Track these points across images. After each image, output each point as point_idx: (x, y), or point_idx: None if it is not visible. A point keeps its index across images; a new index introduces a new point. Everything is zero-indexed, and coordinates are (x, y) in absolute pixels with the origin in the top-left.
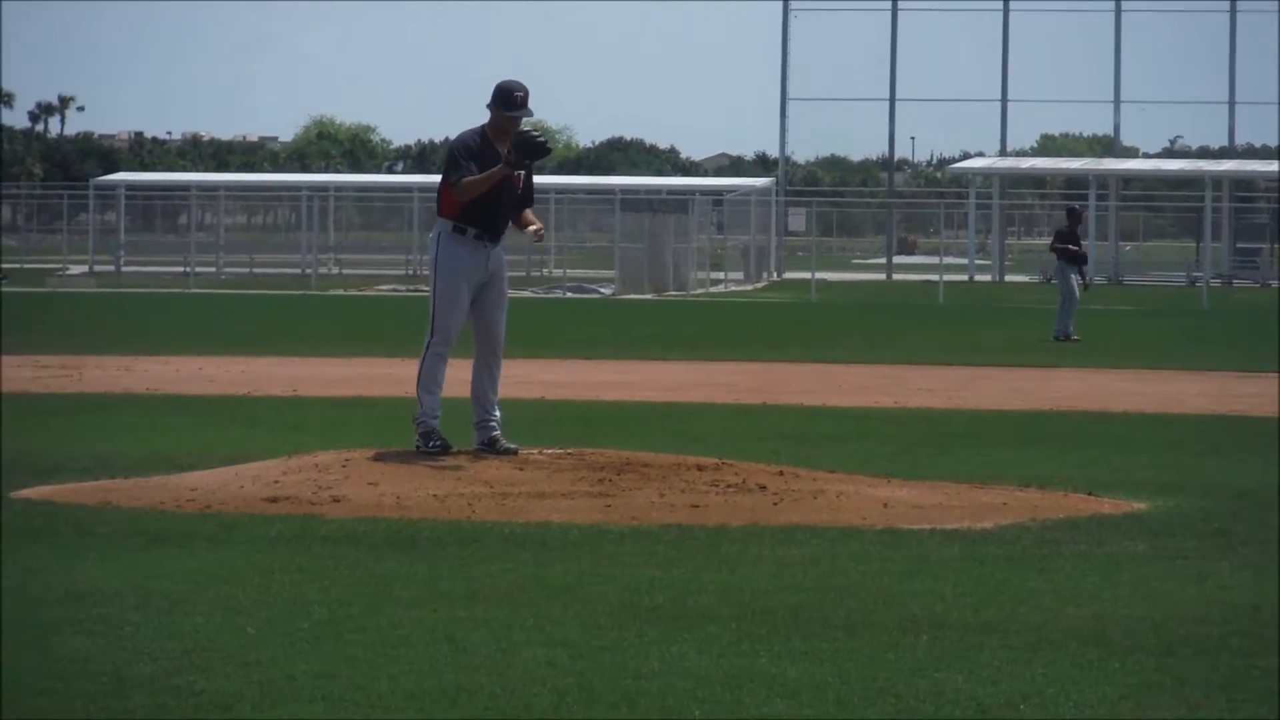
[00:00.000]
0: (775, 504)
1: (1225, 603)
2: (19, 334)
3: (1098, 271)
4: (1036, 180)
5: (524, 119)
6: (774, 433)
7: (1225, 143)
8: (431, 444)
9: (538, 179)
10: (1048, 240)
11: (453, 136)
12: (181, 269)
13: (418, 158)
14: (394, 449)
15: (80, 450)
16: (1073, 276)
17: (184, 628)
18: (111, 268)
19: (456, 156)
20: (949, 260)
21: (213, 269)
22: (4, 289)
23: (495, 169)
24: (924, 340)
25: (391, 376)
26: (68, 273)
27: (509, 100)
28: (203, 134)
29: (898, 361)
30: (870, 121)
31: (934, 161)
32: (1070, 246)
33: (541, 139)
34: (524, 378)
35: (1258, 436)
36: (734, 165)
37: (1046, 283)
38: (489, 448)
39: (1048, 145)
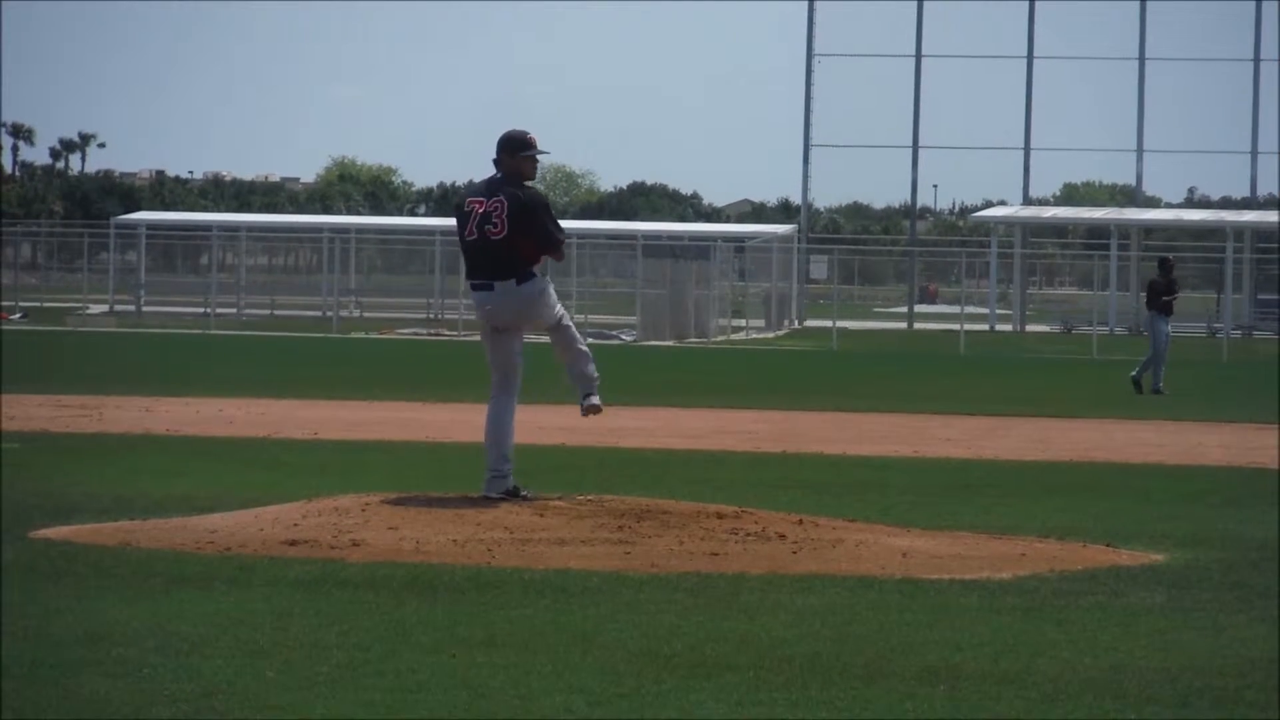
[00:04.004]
0: (794, 553)
1: (1242, 655)
2: (39, 372)
3: (1118, 322)
4: (1058, 229)
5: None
6: (794, 481)
7: (1247, 193)
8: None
9: (565, 223)
10: (1069, 291)
11: (475, 180)
12: (202, 310)
13: (440, 200)
14: (414, 493)
15: (100, 491)
16: (1163, 328)
17: (203, 670)
18: (132, 307)
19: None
20: (970, 309)
21: (233, 310)
22: (24, 327)
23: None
24: (945, 389)
25: (413, 420)
26: (88, 311)
27: (523, 141)
28: (224, 174)
29: (918, 411)
30: (893, 168)
31: (956, 209)
32: (1165, 299)
33: None
34: (544, 423)
35: (1278, 489)
36: (756, 211)
37: (1067, 333)
38: (511, 496)
39: (1070, 194)
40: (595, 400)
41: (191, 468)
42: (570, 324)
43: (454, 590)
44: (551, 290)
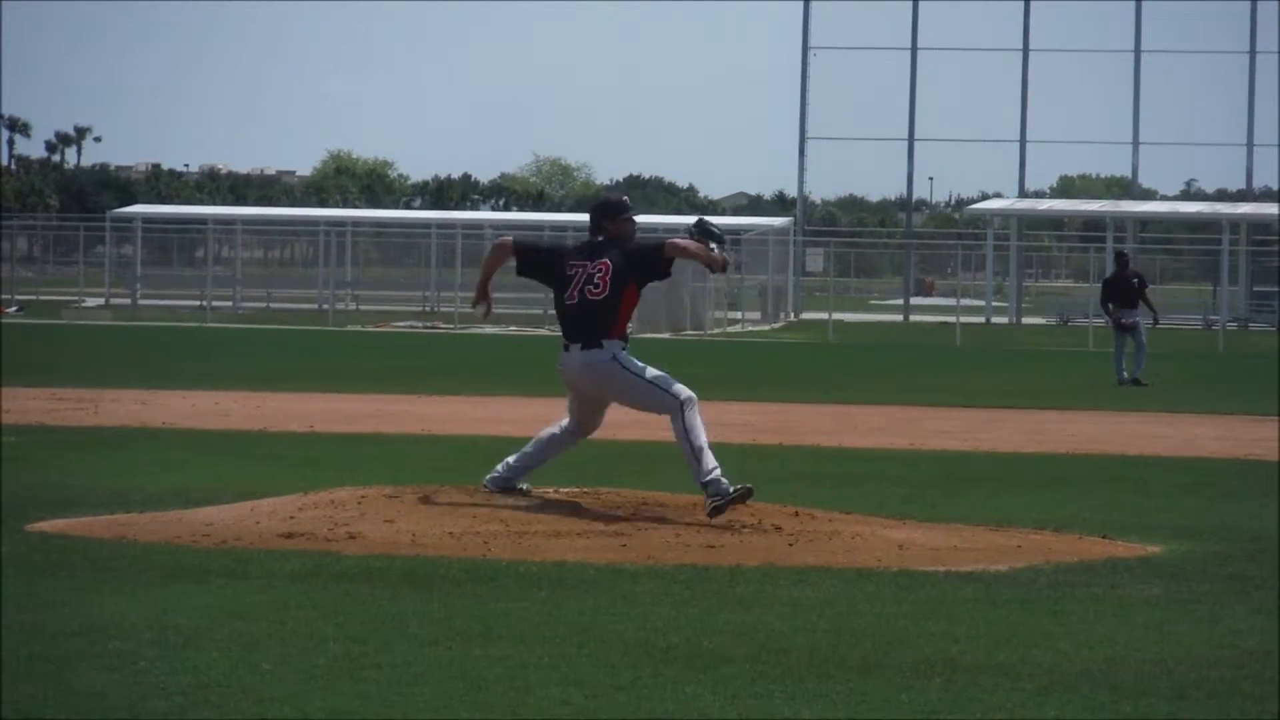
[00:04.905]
0: (790, 545)
1: (1238, 647)
2: (35, 366)
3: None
4: (1054, 222)
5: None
6: (790, 474)
7: (1243, 185)
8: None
9: (561, 216)
10: (1065, 283)
11: (471, 174)
12: (198, 303)
13: (435, 194)
14: (410, 486)
15: (96, 484)
16: (1126, 322)
17: (199, 663)
18: (127, 300)
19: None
20: (966, 302)
21: (229, 303)
22: (20, 320)
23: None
24: (941, 382)
25: (409, 413)
26: (84, 305)
27: (621, 205)
28: (220, 167)
29: (914, 403)
30: (889, 161)
31: (952, 202)
32: (1113, 300)
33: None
34: (540, 416)
35: (1274, 481)
36: (752, 204)
37: (1063, 325)
38: (507, 491)
39: (1066, 186)
40: (713, 506)
41: (187, 461)
42: (689, 414)
43: (450, 583)
44: (640, 372)
